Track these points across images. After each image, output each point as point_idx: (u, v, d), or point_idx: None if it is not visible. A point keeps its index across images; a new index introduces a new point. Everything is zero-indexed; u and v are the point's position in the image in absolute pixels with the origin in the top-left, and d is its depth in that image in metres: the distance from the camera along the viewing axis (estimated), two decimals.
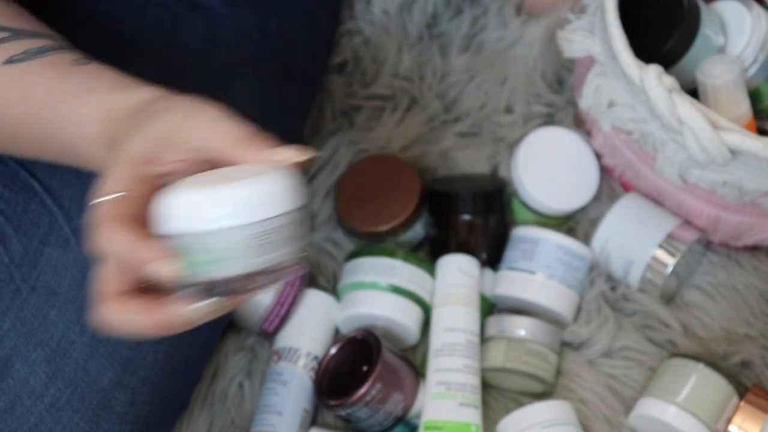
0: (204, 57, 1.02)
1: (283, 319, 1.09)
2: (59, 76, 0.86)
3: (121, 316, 0.77)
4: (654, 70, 0.97)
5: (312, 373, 1.08)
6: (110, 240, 0.76)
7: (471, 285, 1.09)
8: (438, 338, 1.07)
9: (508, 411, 1.08)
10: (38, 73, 0.86)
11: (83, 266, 0.95)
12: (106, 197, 0.77)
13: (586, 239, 1.14)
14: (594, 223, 1.15)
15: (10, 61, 0.87)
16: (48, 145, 0.87)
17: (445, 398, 1.04)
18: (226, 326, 1.10)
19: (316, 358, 1.09)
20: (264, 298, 1.08)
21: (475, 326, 1.08)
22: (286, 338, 1.10)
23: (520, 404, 1.09)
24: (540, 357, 1.07)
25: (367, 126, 1.21)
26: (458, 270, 1.08)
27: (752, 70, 1.04)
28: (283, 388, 1.07)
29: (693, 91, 1.03)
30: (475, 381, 1.05)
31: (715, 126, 0.97)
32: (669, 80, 0.97)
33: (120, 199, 0.78)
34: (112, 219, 0.77)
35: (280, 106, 1.07)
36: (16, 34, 0.89)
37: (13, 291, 0.95)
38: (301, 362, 1.08)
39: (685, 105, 0.96)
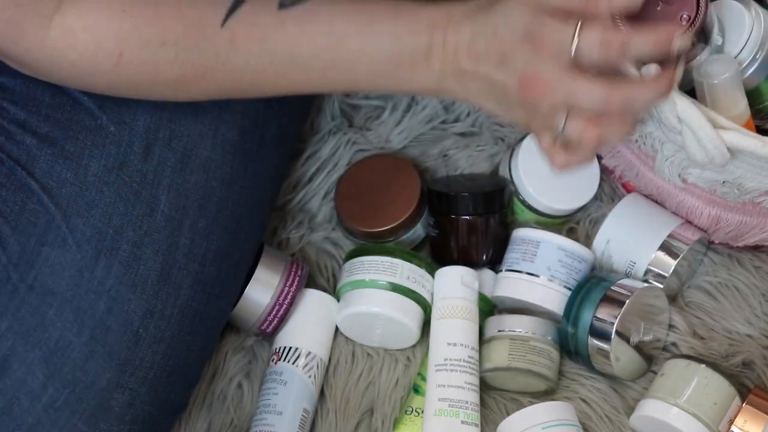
0: None
1: (282, 320, 1.09)
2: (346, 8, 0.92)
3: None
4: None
5: (312, 373, 1.08)
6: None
7: (471, 298, 1.08)
8: (439, 352, 1.06)
9: (508, 412, 1.08)
10: (320, 10, 0.92)
11: (81, 265, 0.95)
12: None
13: (587, 239, 1.14)
14: (595, 223, 1.15)
15: (283, 5, 0.91)
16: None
17: (448, 415, 1.04)
18: (224, 327, 1.10)
19: (315, 357, 1.08)
20: (262, 299, 1.08)
21: (476, 342, 1.08)
22: (286, 338, 1.10)
23: (520, 405, 1.08)
24: (544, 354, 1.07)
25: (367, 126, 1.21)
26: (460, 282, 1.08)
27: (751, 69, 1.04)
28: (283, 388, 1.07)
29: (690, 91, 1.03)
30: (475, 398, 1.05)
31: (714, 125, 0.97)
32: None
33: None
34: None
35: (280, 105, 1.07)
36: None
37: (11, 291, 0.95)
38: (301, 362, 1.08)
39: (684, 104, 0.96)
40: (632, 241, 1.10)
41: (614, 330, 1.04)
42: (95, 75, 0.91)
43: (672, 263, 1.08)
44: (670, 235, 1.09)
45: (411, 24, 0.92)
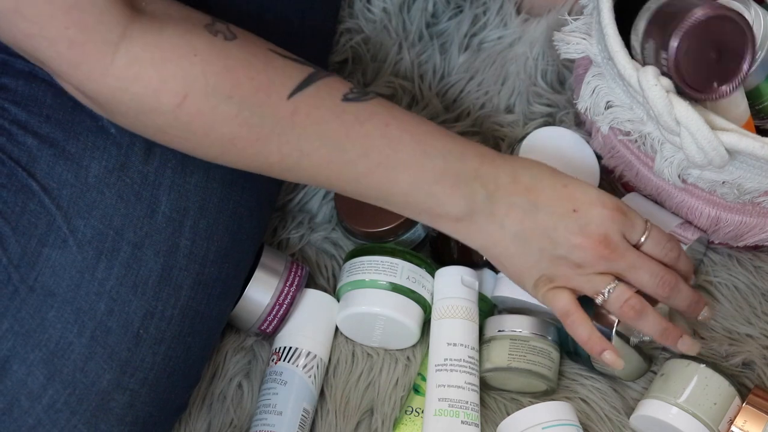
0: None
1: (282, 320, 1.09)
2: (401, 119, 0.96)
3: None
4: (651, 71, 0.97)
5: (312, 373, 1.08)
6: None
7: (472, 298, 1.08)
8: (439, 352, 1.06)
9: (508, 412, 1.08)
10: (379, 112, 0.95)
11: (81, 267, 0.95)
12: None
13: None
14: None
15: (346, 98, 0.94)
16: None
17: (448, 415, 1.04)
18: (225, 327, 1.10)
19: (315, 357, 1.08)
20: (262, 299, 1.08)
21: (476, 342, 1.08)
22: (286, 338, 1.09)
23: (520, 405, 1.08)
24: (544, 354, 1.07)
25: None
26: (460, 282, 1.08)
27: (751, 69, 1.04)
28: (283, 388, 1.07)
29: None
30: (475, 398, 1.05)
31: (712, 126, 0.97)
32: (666, 81, 0.97)
33: None
34: None
35: None
36: (318, 70, 0.94)
37: (11, 292, 0.95)
38: (301, 362, 1.08)
39: (682, 105, 0.96)
40: None
41: (614, 330, 1.04)
42: (153, 113, 0.89)
43: None
44: None
45: (463, 147, 0.96)
